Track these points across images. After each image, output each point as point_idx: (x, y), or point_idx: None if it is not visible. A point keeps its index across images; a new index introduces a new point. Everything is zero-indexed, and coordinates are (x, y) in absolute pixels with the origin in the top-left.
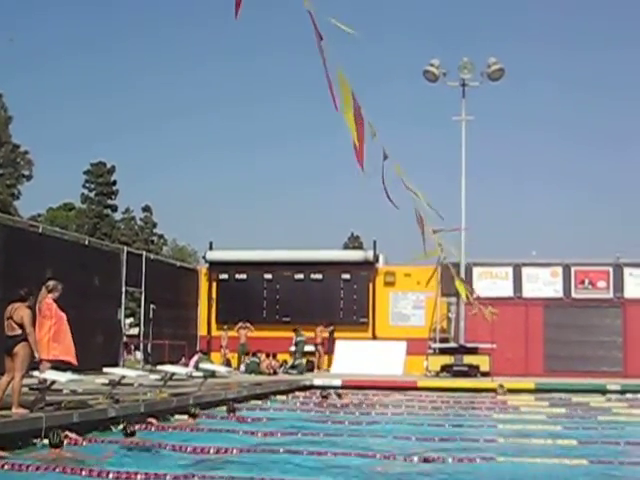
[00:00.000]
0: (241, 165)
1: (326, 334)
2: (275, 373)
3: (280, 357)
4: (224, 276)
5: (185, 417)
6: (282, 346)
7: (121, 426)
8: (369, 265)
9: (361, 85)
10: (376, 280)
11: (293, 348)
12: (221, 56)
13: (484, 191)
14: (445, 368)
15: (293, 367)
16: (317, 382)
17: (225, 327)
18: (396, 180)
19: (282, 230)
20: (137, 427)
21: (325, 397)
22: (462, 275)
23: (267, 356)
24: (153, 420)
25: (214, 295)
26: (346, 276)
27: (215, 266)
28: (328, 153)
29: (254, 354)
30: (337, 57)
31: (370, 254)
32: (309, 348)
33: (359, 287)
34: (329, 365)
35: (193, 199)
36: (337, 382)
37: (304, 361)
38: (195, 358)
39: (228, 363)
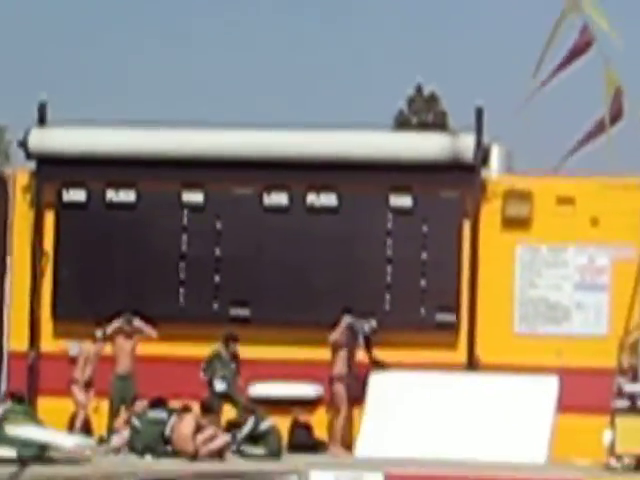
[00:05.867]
0: None
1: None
2: (218, 454)
3: (225, 411)
4: (76, 195)
5: None
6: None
7: None
8: (464, 172)
9: None
10: (482, 212)
11: (219, 386)
12: None
13: None
14: None
15: (256, 438)
16: None
17: (78, 331)
18: None
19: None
20: None
21: None
22: None
23: (185, 409)
24: None
25: (49, 244)
26: (402, 200)
27: (52, 168)
28: None
29: (156, 402)
30: None
31: (467, 142)
32: (301, 390)
33: (436, 230)
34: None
35: None
36: None
37: (271, 427)
38: None
39: (85, 425)
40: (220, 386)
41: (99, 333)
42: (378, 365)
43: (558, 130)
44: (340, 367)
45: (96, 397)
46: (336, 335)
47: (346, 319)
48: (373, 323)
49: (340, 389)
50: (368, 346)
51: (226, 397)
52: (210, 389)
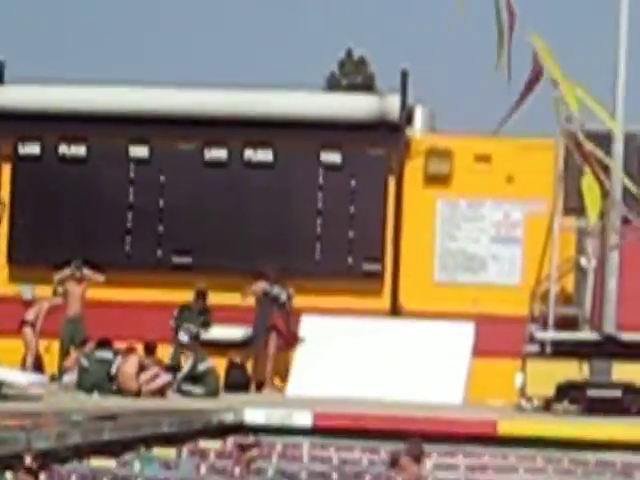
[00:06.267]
0: None
1: (281, 299)
2: (160, 393)
3: (164, 351)
4: (31, 148)
5: None
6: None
7: None
8: (390, 131)
9: None
10: (406, 169)
11: (182, 337)
12: None
13: None
14: (566, 391)
15: (195, 378)
16: (252, 418)
17: (32, 276)
18: None
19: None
20: None
21: (245, 448)
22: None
23: (129, 350)
24: None
25: (6, 194)
26: (332, 157)
27: (9, 123)
28: None
29: (102, 343)
30: None
31: (393, 102)
32: (236, 333)
33: (364, 186)
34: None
35: None
36: (301, 419)
37: (209, 368)
38: None
39: (38, 363)
40: (183, 337)
41: (56, 277)
42: (293, 337)
43: (480, 91)
44: (258, 321)
45: (48, 338)
46: (252, 288)
47: (260, 284)
48: (290, 291)
49: (261, 338)
50: (285, 313)
51: (187, 347)
52: (175, 337)
